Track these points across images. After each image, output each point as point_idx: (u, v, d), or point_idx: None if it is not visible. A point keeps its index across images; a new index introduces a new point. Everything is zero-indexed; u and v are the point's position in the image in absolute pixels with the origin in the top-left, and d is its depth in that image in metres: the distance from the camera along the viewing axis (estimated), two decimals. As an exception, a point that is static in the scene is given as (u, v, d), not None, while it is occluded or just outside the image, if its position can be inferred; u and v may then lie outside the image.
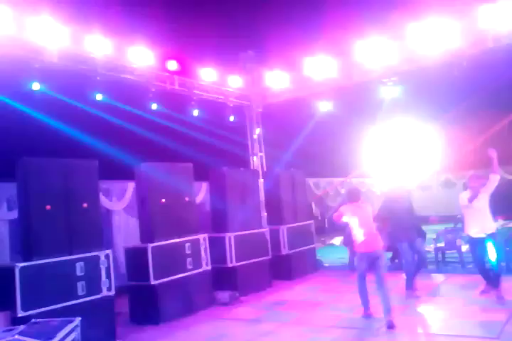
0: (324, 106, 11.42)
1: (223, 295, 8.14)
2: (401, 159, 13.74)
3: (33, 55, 7.50)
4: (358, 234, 6.47)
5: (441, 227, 10.43)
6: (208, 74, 10.41)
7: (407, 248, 7.34)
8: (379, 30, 9.25)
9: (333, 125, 12.53)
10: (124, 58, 8.72)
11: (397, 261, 10.05)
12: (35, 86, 7.79)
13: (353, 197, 6.69)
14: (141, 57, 8.88)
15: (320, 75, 10.42)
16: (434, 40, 8.80)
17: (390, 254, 10.37)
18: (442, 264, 9.71)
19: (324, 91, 10.93)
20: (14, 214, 7.58)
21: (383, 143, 14.19)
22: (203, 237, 8.11)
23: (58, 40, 7.55)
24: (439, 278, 8.92)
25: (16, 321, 5.22)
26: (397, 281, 7.73)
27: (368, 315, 6.49)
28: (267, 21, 9.82)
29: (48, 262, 5.85)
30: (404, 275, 7.63)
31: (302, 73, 10.70)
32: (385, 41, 9.32)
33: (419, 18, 8.76)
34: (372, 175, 15.88)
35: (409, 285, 7.45)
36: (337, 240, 14.46)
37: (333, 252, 12.99)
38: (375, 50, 9.46)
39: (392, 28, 9.13)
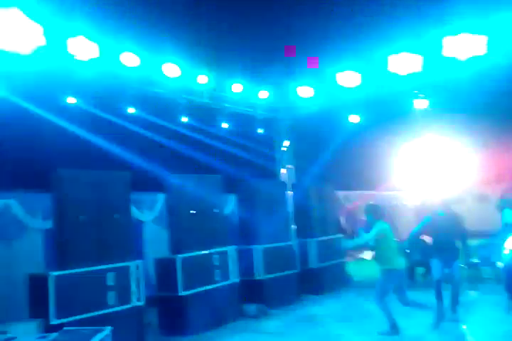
0: (354, 118, 11.34)
1: (251, 308, 8.10)
2: (434, 172, 13.46)
3: (68, 69, 7.76)
4: (389, 252, 6.37)
5: (475, 242, 10.10)
6: (237, 87, 10.54)
7: (438, 265, 7.07)
8: (409, 41, 9.18)
9: (364, 137, 12.42)
10: (155, 72, 8.93)
11: (429, 276, 9.79)
12: (70, 100, 8.06)
13: (381, 214, 6.59)
14: (172, 71, 9.06)
15: (349, 86, 10.38)
16: (465, 50, 8.66)
17: (422, 269, 10.12)
18: (476, 281, 9.38)
19: (354, 102, 10.88)
20: (49, 224, 7.78)
21: (415, 155, 13.95)
22: (231, 249, 8.12)
23: (92, 54, 7.81)
24: (472, 295, 8.61)
25: (48, 329, 5.31)
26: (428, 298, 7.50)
27: (396, 330, 6.33)
28: (296, 33, 9.88)
29: (81, 271, 5.97)
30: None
31: (331, 84, 10.69)
32: (416, 52, 9.23)
33: (449, 29, 8.67)
34: (404, 188, 15.59)
35: (440, 303, 7.20)
36: (367, 254, 14.18)
37: (363, 267, 12.73)
38: (406, 61, 9.37)
39: (422, 38, 9.05)
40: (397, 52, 9.35)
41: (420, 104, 10.20)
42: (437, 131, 12.34)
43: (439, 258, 7.04)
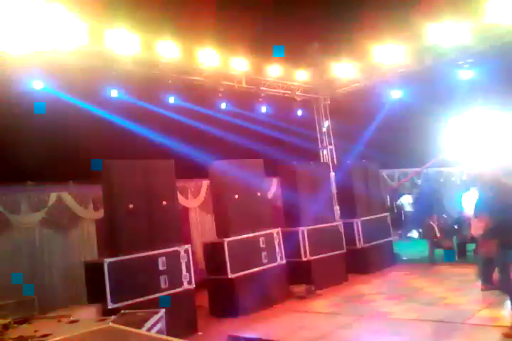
0: (395, 94, 11.05)
1: (299, 289, 8.21)
2: (482, 146, 12.94)
3: (110, 63, 7.98)
4: None
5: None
6: (274, 70, 10.46)
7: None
8: (450, 9, 8.75)
9: (406, 113, 12.07)
10: (192, 61, 9.01)
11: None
12: (114, 92, 8.30)
13: None
14: (208, 58, 9.11)
15: (389, 62, 10.09)
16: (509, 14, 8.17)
17: (472, 246, 9.89)
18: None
19: (394, 78, 10.59)
20: (100, 214, 8.13)
21: (462, 129, 13.45)
22: (276, 231, 8.22)
23: (131, 47, 7.96)
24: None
25: (106, 313, 5.61)
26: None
27: None
28: (331, 11, 9.62)
29: (133, 257, 6.24)
30: None
31: (370, 61, 10.43)
32: (458, 20, 8.81)
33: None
34: (451, 164, 15.13)
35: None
36: (415, 233, 13.99)
37: (411, 245, 12.59)
38: (447, 31, 8.96)
39: (465, 5, 8.61)
40: (436, 22, 8.97)
41: (464, 75, 9.77)
42: (485, 102, 11.81)
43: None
